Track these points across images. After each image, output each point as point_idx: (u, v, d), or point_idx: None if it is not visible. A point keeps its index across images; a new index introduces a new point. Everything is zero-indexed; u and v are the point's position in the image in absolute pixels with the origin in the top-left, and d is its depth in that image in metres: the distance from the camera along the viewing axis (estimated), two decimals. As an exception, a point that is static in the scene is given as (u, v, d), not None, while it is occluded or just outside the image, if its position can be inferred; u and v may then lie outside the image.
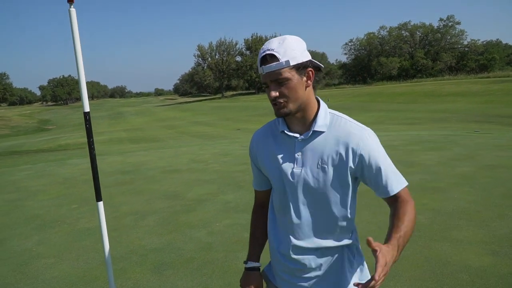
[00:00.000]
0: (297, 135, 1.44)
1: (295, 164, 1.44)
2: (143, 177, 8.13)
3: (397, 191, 1.41)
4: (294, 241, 1.47)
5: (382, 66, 73.40)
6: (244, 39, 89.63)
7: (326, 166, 1.40)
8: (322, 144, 1.42)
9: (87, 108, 2.20)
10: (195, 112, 51.75)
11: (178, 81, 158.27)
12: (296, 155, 1.44)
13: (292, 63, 1.32)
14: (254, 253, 1.66)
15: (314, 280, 1.49)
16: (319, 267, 1.47)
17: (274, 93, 1.36)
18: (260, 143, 1.56)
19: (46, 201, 6.73)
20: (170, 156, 10.96)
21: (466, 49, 74.95)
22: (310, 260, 1.47)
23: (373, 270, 1.15)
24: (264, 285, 1.66)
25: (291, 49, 1.33)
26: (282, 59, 1.32)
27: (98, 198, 2.34)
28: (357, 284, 1.14)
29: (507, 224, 4.22)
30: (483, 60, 69.12)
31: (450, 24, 75.48)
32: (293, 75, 1.34)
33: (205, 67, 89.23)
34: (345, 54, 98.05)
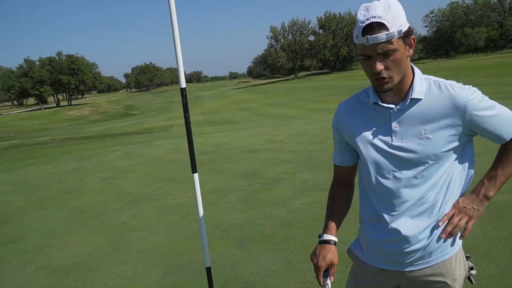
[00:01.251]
0: (392, 105, 1.34)
1: (393, 137, 1.35)
2: (222, 157, 8.41)
3: None
4: (396, 220, 1.38)
5: (467, 38, 67.15)
6: (317, 18, 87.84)
7: (430, 136, 1.31)
8: (422, 112, 1.32)
9: (183, 84, 2.30)
10: (269, 94, 52.06)
11: (251, 64, 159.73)
12: (393, 127, 1.35)
13: (403, 31, 1.22)
14: (330, 227, 1.52)
15: (413, 256, 1.39)
16: (420, 243, 1.37)
17: (380, 66, 1.24)
18: (349, 114, 1.47)
19: (135, 179, 7.26)
20: (247, 137, 11.18)
21: None
22: (411, 238, 1.37)
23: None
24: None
25: (398, 15, 1.21)
26: (392, 29, 1.20)
27: (194, 170, 2.47)
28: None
29: None
30: None
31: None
32: (400, 45, 1.23)
33: (278, 48, 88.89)
34: (426, 26, 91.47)
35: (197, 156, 2.52)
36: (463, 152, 1.38)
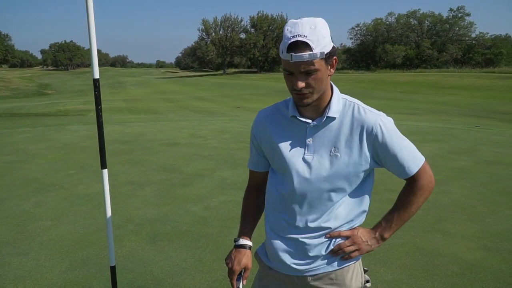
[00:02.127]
0: (309, 120, 1.41)
1: (306, 150, 1.42)
2: (141, 148, 8.13)
3: (414, 171, 1.44)
4: (298, 225, 1.45)
5: (387, 54, 72.60)
6: (250, 17, 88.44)
7: (339, 154, 1.39)
8: (335, 130, 1.40)
9: (97, 75, 2.17)
10: (195, 87, 51.41)
11: (180, 55, 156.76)
12: (307, 141, 1.42)
13: (326, 53, 1.27)
14: (246, 232, 1.59)
15: (312, 262, 1.48)
16: (320, 250, 1.47)
17: (301, 84, 1.29)
18: (267, 123, 1.51)
19: (44, 165, 6.74)
20: (169, 129, 10.95)
21: (473, 42, 74.06)
22: (311, 247, 1.46)
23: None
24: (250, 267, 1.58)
25: (322, 36, 1.26)
26: (316, 50, 1.24)
27: (103, 166, 2.35)
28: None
29: (500, 220, 4.27)
30: (489, 54, 68.37)
31: (459, 15, 74.30)
32: (322, 66, 1.29)
33: (209, 42, 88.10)
34: (351, 38, 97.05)
35: (114, 145, 2.43)
36: (366, 178, 1.47)
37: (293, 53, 1.25)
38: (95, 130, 10.89)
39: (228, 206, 4.75)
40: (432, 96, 30.13)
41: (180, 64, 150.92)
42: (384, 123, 1.39)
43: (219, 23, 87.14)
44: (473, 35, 74.74)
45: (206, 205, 4.77)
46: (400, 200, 1.49)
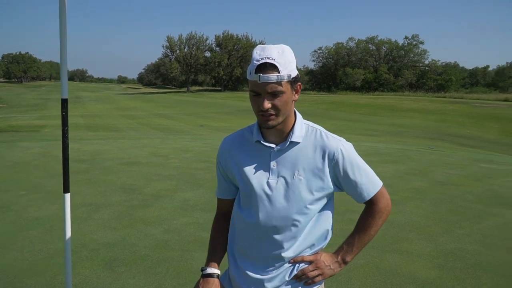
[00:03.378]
0: (272, 145, 1.44)
1: (270, 174, 1.44)
2: (99, 167, 7.85)
3: (372, 195, 1.48)
4: (263, 251, 1.46)
5: (348, 77, 75.22)
6: (215, 35, 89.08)
7: (302, 178, 1.42)
8: (298, 155, 1.43)
9: (65, 95, 2.11)
10: (158, 103, 50.74)
11: (143, 71, 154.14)
12: (271, 165, 1.44)
13: (292, 76, 1.33)
14: (214, 260, 1.59)
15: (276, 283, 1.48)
16: (284, 276, 1.47)
17: (268, 105, 1.33)
18: (232, 150, 1.53)
19: (-9, 185, 6.34)
20: (129, 148, 10.67)
21: (426, 68, 78.34)
22: (276, 272, 1.46)
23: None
24: None
25: (289, 61, 1.32)
26: (283, 72, 1.30)
27: (66, 190, 2.25)
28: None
29: (453, 239, 4.43)
30: (441, 80, 72.51)
31: (414, 42, 78.59)
32: (288, 89, 1.34)
33: (173, 59, 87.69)
34: (313, 61, 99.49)
35: (70, 164, 2.28)
36: (328, 202, 1.50)
37: (261, 74, 1.30)
38: (50, 147, 10.43)
39: (190, 228, 4.63)
40: (389, 118, 31.34)
41: (143, 80, 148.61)
42: (345, 149, 1.44)
43: (184, 40, 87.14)
44: (426, 62, 79.21)
45: (166, 228, 4.63)
46: (360, 223, 1.53)
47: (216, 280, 1.54)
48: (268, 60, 1.29)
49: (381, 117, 32.29)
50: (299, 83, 1.40)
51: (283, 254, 1.45)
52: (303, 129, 1.46)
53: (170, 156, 9.39)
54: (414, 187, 6.75)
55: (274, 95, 1.33)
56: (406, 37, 79.62)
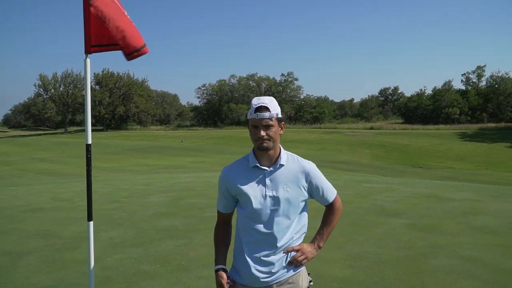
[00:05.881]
0: (266, 168, 2.04)
1: (266, 189, 2.03)
2: (1, 217, 7.29)
3: (332, 199, 2.18)
4: (267, 248, 2.00)
5: (232, 112, 78.46)
6: (94, 73, 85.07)
7: (289, 189, 2.04)
8: (285, 174, 2.05)
9: (89, 141, 2.60)
10: (34, 147, 46.13)
11: (9, 112, 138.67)
12: (267, 182, 2.04)
13: (278, 116, 1.99)
14: (221, 259, 2.11)
15: (276, 273, 2.03)
16: (282, 263, 2.03)
17: (263, 133, 1.95)
18: (234, 174, 2.08)
19: None
20: (25, 195, 9.95)
21: (302, 102, 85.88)
22: (274, 260, 2.01)
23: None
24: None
25: (276, 106, 2.00)
26: (273, 112, 1.96)
27: (90, 218, 2.90)
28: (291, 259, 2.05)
29: (356, 245, 5.41)
30: (315, 113, 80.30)
31: (290, 79, 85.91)
32: (276, 124, 1.99)
33: (47, 99, 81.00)
34: (198, 97, 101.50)
35: None
36: (305, 206, 2.14)
37: (258, 113, 1.95)
38: None
39: (127, 263, 4.78)
40: (276, 150, 33.53)
41: (9, 122, 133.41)
42: (314, 168, 2.12)
43: (59, 79, 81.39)
44: (302, 96, 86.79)
45: (103, 265, 4.71)
46: (325, 219, 2.21)
47: (224, 273, 2.06)
48: (263, 104, 1.95)
49: (268, 149, 34.43)
50: (283, 123, 2.06)
51: (280, 247, 2.02)
52: (285, 155, 2.09)
53: (76, 200, 9.07)
54: (315, 207, 7.74)
55: (267, 127, 1.96)
56: (282, 74, 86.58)
